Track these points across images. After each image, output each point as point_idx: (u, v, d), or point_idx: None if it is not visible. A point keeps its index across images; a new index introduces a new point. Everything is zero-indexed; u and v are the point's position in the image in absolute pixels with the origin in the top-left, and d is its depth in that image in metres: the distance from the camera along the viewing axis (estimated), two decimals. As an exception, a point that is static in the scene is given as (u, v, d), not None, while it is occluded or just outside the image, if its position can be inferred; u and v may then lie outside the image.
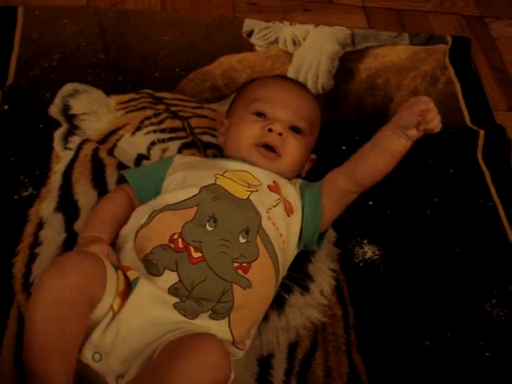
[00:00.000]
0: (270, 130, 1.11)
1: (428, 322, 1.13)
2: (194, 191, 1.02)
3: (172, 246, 0.97)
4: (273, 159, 1.12)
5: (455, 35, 1.67)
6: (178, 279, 0.94)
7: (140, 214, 1.03)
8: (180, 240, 0.97)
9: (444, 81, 1.53)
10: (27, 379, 0.85)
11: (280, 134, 1.11)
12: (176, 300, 0.93)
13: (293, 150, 1.13)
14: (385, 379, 1.06)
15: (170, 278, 0.94)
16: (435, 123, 1.02)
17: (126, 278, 0.94)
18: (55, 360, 0.84)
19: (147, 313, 0.92)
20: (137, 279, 0.93)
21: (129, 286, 0.93)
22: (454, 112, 1.48)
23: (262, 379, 1.04)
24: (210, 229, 0.99)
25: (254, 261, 0.99)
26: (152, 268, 0.95)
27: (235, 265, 0.97)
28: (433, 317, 1.14)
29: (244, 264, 0.98)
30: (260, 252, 1.00)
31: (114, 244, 1.05)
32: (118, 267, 0.95)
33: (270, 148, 1.12)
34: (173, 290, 0.94)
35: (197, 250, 0.96)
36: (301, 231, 1.10)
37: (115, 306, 0.90)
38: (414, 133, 1.03)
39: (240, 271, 0.97)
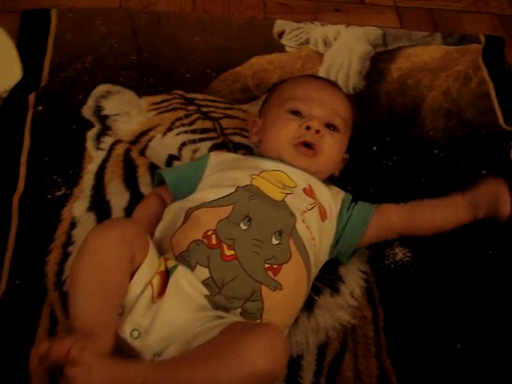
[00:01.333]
0: (308, 128, 1.11)
1: (460, 325, 1.12)
2: (231, 190, 1.03)
3: (205, 241, 0.97)
4: (311, 156, 1.11)
5: (488, 34, 1.65)
6: (209, 275, 0.94)
7: (175, 213, 1.04)
8: (214, 236, 0.97)
9: (477, 81, 1.51)
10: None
11: (317, 132, 1.11)
12: (207, 292, 0.94)
13: (329, 147, 1.13)
14: (415, 382, 1.05)
15: (201, 273, 0.95)
16: (507, 208, 1.10)
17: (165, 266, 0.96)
18: (99, 313, 0.86)
19: (186, 297, 0.93)
20: (175, 266, 0.94)
21: (167, 272, 0.94)
22: (487, 112, 1.46)
23: (291, 380, 1.03)
24: (244, 228, 0.99)
25: (285, 263, 0.99)
26: (184, 264, 0.96)
27: (266, 266, 0.97)
28: (464, 320, 1.13)
29: (275, 266, 0.98)
30: (292, 254, 1.00)
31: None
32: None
33: (307, 145, 1.12)
34: (203, 285, 0.94)
35: (230, 247, 0.97)
36: (338, 241, 1.10)
37: (154, 283, 0.92)
38: (481, 213, 1.12)
39: (270, 273, 0.97)
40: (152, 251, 0.95)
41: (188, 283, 0.93)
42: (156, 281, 0.93)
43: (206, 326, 0.91)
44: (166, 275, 0.94)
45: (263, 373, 0.83)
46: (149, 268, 0.93)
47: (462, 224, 1.13)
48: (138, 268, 0.92)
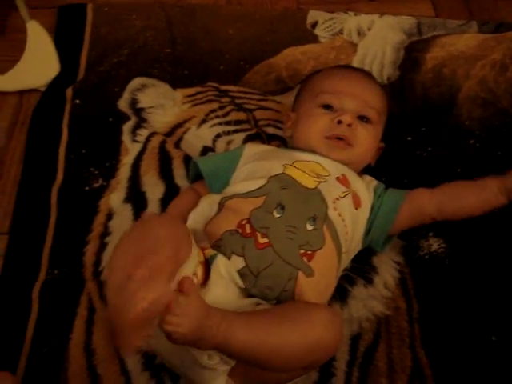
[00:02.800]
0: (340, 122, 1.11)
1: (495, 317, 1.11)
2: (263, 182, 1.03)
3: (240, 231, 0.98)
4: (344, 148, 1.11)
5: (526, 21, 1.62)
6: (244, 264, 0.95)
7: (208, 203, 1.05)
8: (248, 225, 0.98)
9: (514, 69, 1.48)
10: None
11: (349, 125, 1.11)
12: (242, 285, 0.95)
13: (363, 139, 1.13)
14: (449, 374, 1.05)
15: (236, 262, 0.95)
16: None
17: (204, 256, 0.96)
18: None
19: (227, 284, 0.94)
20: (215, 255, 0.95)
21: (206, 262, 0.95)
22: (524, 101, 1.44)
23: (324, 370, 1.04)
24: (277, 215, 0.99)
25: (319, 249, 0.99)
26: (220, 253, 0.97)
27: (301, 251, 0.97)
28: (500, 311, 1.12)
29: (309, 252, 0.98)
30: (326, 241, 1.00)
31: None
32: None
33: (340, 139, 1.12)
34: (239, 276, 0.95)
35: (264, 235, 0.97)
36: (369, 229, 1.10)
37: (198, 273, 0.92)
38: (508, 198, 1.08)
39: (305, 258, 0.97)
40: (194, 247, 0.93)
41: (227, 273, 0.94)
42: (200, 271, 0.92)
43: (255, 308, 0.93)
44: (207, 265, 0.95)
45: (327, 343, 0.89)
46: (192, 262, 0.92)
47: (495, 208, 1.10)
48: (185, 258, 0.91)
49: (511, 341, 1.08)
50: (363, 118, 1.14)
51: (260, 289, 0.95)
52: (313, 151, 1.12)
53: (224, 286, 0.94)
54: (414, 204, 1.11)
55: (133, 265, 0.78)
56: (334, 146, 1.11)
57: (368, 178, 1.16)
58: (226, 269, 0.94)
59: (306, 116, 1.15)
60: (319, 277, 0.98)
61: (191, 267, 0.91)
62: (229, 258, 0.96)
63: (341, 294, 1.10)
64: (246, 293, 0.95)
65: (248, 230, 0.98)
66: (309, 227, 1.00)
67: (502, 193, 1.08)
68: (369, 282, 1.14)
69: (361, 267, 1.14)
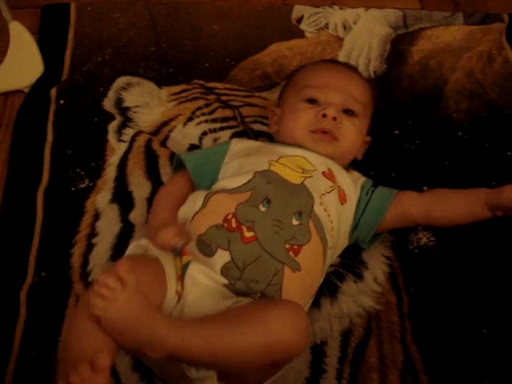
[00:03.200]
0: (324, 116, 1.10)
1: (485, 310, 1.10)
2: (248, 177, 1.03)
3: (225, 225, 0.97)
4: (329, 142, 1.11)
5: (512, 13, 1.62)
6: (230, 258, 0.95)
7: (196, 198, 1.04)
8: (233, 220, 0.98)
9: (501, 61, 1.48)
10: None
11: (334, 119, 1.10)
12: (225, 282, 0.94)
13: (348, 132, 1.12)
14: (440, 368, 1.04)
15: (222, 257, 0.95)
16: None
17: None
18: None
19: (205, 289, 0.93)
20: (188, 263, 0.94)
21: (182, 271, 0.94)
22: (511, 93, 1.43)
23: (315, 367, 1.04)
24: (263, 209, 0.99)
25: (305, 244, 0.98)
26: (205, 248, 0.96)
27: (287, 246, 0.97)
28: (490, 304, 1.11)
29: (295, 246, 0.97)
30: (312, 235, 1.00)
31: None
32: (178, 253, 0.95)
33: (325, 133, 1.11)
34: (225, 270, 0.94)
35: (249, 229, 0.97)
36: (356, 226, 1.10)
37: (179, 289, 0.91)
38: (500, 213, 1.08)
39: (291, 253, 0.97)
40: (169, 269, 0.92)
41: (204, 276, 0.93)
42: (179, 286, 0.92)
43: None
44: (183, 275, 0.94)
45: (288, 343, 0.85)
46: (170, 287, 0.91)
47: (479, 220, 1.10)
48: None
49: (502, 333, 1.08)
50: (348, 112, 1.13)
51: (246, 282, 0.94)
52: (298, 145, 1.11)
53: (201, 291, 0.92)
54: (401, 206, 1.11)
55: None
56: (320, 139, 1.11)
57: (356, 173, 1.16)
58: (202, 272, 0.93)
59: (290, 111, 1.15)
60: (305, 271, 0.98)
61: (171, 292, 0.90)
62: (214, 252, 0.95)
63: (330, 290, 1.10)
64: (230, 289, 0.94)
65: (233, 225, 0.97)
66: (294, 222, 0.99)
67: (489, 207, 1.08)
68: (359, 277, 1.13)
69: (350, 262, 1.14)
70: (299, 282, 0.97)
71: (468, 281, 1.14)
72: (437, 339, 1.07)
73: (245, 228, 0.97)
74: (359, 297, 1.11)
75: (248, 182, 1.02)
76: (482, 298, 1.12)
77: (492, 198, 1.07)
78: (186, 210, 1.05)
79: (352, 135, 1.13)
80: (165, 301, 0.90)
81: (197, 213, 1.01)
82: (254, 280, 0.94)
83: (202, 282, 0.93)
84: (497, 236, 1.20)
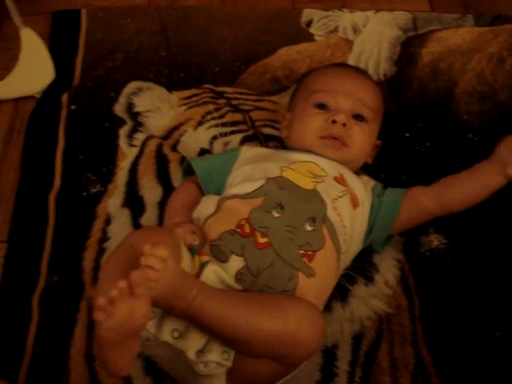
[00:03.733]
0: (334, 122, 1.10)
1: (498, 313, 1.10)
2: (261, 182, 1.03)
3: (239, 231, 0.97)
4: (339, 148, 1.11)
5: (523, 14, 1.61)
6: (244, 264, 0.94)
7: (208, 203, 1.05)
8: (247, 225, 0.98)
9: (511, 62, 1.47)
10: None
11: (344, 125, 1.10)
12: (240, 288, 0.93)
13: (358, 138, 1.12)
14: (452, 371, 1.04)
15: (236, 263, 0.95)
16: None
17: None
18: None
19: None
20: (206, 262, 0.94)
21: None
22: (523, 94, 1.43)
23: (326, 370, 1.04)
24: (276, 215, 0.99)
25: (319, 249, 0.98)
26: (219, 254, 0.96)
27: (301, 252, 0.97)
28: (503, 307, 1.11)
29: (309, 252, 0.97)
30: (326, 241, 1.00)
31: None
32: (196, 252, 0.95)
33: (335, 139, 1.11)
34: (239, 276, 0.94)
35: (263, 235, 0.97)
36: (371, 229, 1.09)
37: None
38: (510, 171, 1.06)
39: (305, 259, 0.97)
40: (185, 257, 0.92)
41: (220, 282, 0.93)
42: None
43: None
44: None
45: (304, 338, 0.86)
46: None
47: (494, 191, 1.08)
48: None
49: (514, 336, 1.08)
50: (358, 117, 1.13)
51: (260, 288, 0.94)
52: (309, 151, 1.11)
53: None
54: (413, 202, 1.10)
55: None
56: (329, 145, 1.11)
57: (365, 177, 1.15)
58: (217, 277, 0.93)
59: (300, 116, 1.15)
60: (320, 277, 0.98)
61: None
62: (228, 258, 0.95)
63: (341, 293, 1.10)
64: None
65: (247, 230, 0.97)
66: (308, 228, 0.99)
67: (497, 171, 1.06)
68: (369, 280, 1.13)
69: (361, 265, 1.13)
70: (314, 287, 0.97)
71: (480, 283, 1.14)
72: (448, 342, 1.07)
73: (259, 234, 0.97)
74: (370, 300, 1.11)
75: (260, 187, 1.02)
76: (494, 300, 1.12)
77: (494, 159, 1.07)
78: (198, 213, 1.05)
79: (362, 141, 1.13)
80: None
81: (208, 218, 1.02)
82: (268, 286, 0.94)
83: (217, 285, 0.92)
84: (509, 239, 1.19)
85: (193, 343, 0.87)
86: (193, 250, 0.94)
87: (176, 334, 0.88)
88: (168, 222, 1.07)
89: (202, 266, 0.93)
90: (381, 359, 1.06)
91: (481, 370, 1.04)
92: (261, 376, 0.92)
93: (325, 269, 1.00)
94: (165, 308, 0.84)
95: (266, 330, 0.85)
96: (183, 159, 1.27)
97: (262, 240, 0.96)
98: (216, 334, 0.86)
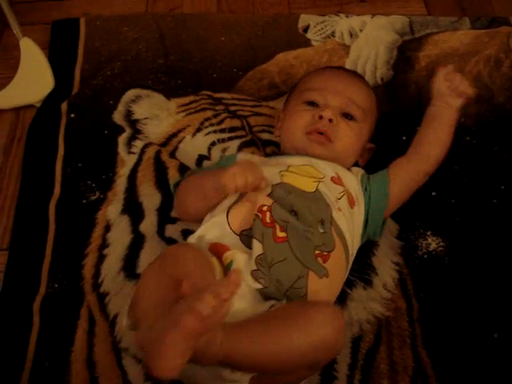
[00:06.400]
0: (321, 117, 1.11)
1: (496, 314, 1.10)
2: (268, 190, 1.03)
3: (260, 216, 0.98)
4: (323, 143, 1.11)
5: (519, 16, 1.61)
6: (262, 251, 0.95)
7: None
8: (268, 214, 0.98)
9: (509, 64, 1.47)
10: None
11: (330, 121, 1.11)
12: (259, 286, 0.94)
13: (344, 135, 1.12)
14: (451, 373, 1.04)
15: (257, 248, 0.96)
16: (465, 85, 1.13)
17: (221, 263, 0.96)
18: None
19: (244, 292, 0.93)
20: (231, 263, 0.95)
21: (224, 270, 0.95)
22: (520, 96, 1.43)
23: (325, 374, 1.04)
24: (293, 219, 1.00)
25: (331, 251, 0.99)
26: (247, 240, 0.97)
27: (316, 252, 0.98)
28: (501, 309, 1.11)
29: (325, 253, 0.98)
30: (336, 243, 1.01)
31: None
32: (212, 254, 0.96)
33: (321, 134, 1.12)
34: (259, 261, 0.94)
35: (282, 229, 0.98)
36: (366, 222, 1.10)
37: None
38: (452, 100, 1.13)
39: (320, 259, 0.98)
40: (216, 266, 0.94)
41: (243, 280, 0.92)
42: None
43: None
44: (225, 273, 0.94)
45: (330, 341, 0.87)
46: None
47: (455, 120, 1.14)
48: None
49: (513, 337, 1.08)
50: (347, 116, 1.14)
51: (273, 282, 0.94)
52: (296, 150, 1.12)
53: (239, 296, 0.91)
54: (399, 170, 1.13)
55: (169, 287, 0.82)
56: (314, 140, 1.11)
57: (355, 169, 1.16)
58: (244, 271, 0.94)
59: (290, 113, 1.17)
60: (332, 278, 0.99)
61: None
62: (251, 244, 0.96)
63: (340, 297, 1.09)
64: (262, 294, 0.94)
65: (268, 220, 0.98)
66: (320, 230, 1.00)
67: (442, 105, 1.13)
68: (368, 283, 1.13)
69: (360, 269, 1.14)
70: (326, 288, 0.98)
71: (478, 285, 1.14)
72: (447, 344, 1.07)
73: (278, 227, 0.98)
74: (369, 303, 1.11)
75: (269, 194, 1.02)
76: (492, 302, 1.12)
77: (434, 97, 1.15)
78: (220, 206, 1.05)
79: (347, 138, 1.13)
80: None
81: (232, 206, 1.02)
82: (278, 280, 0.95)
83: (242, 287, 0.91)
84: (506, 240, 1.20)
85: None
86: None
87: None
88: (207, 178, 1.08)
89: (227, 267, 0.95)
90: (380, 362, 1.06)
91: (480, 372, 1.04)
92: (283, 380, 0.93)
93: (337, 270, 1.01)
94: (194, 361, 0.82)
95: (299, 346, 0.86)
96: (182, 166, 1.28)
97: (280, 234, 0.97)
98: (254, 366, 0.87)
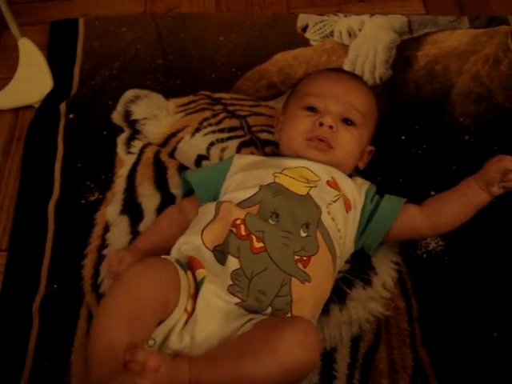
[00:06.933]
0: (321, 124, 1.11)
1: (495, 313, 1.10)
2: (254, 190, 1.04)
3: (234, 230, 0.98)
4: (324, 150, 1.11)
5: (518, 15, 1.61)
6: (239, 266, 0.95)
7: (207, 209, 1.05)
8: (243, 227, 0.98)
9: (507, 63, 1.47)
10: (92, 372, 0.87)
11: (331, 127, 1.11)
12: (237, 300, 0.94)
13: (344, 142, 1.12)
14: (451, 372, 1.04)
15: (232, 263, 0.96)
16: None
17: (194, 278, 0.96)
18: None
19: (217, 311, 0.93)
20: (203, 279, 0.94)
21: (196, 287, 0.95)
22: (518, 95, 1.43)
23: (325, 373, 1.04)
24: (272, 223, 1.00)
25: (313, 255, 0.99)
26: (221, 257, 0.97)
27: (296, 258, 0.98)
28: (501, 308, 1.11)
29: (304, 258, 0.98)
30: (320, 246, 1.00)
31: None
32: (187, 267, 0.97)
33: (321, 141, 1.12)
34: (234, 276, 0.94)
35: (259, 239, 0.97)
36: (362, 233, 1.10)
37: (189, 308, 0.92)
38: (495, 190, 1.05)
39: (300, 265, 0.98)
40: (183, 281, 0.94)
41: (216, 297, 0.94)
42: (190, 305, 0.93)
43: (241, 331, 0.91)
44: (196, 292, 0.94)
45: (301, 364, 0.86)
46: (183, 300, 0.92)
47: (480, 208, 1.08)
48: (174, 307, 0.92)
49: (512, 336, 1.08)
50: (347, 121, 1.13)
51: (254, 294, 0.94)
52: (298, 156, 1.12)
53: (212, 312, 0.93)
54: (407, 220, 1.10)
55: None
56: (314, 147, 1.11)
57: (359, 180, 1.16)
58: (214, 294, 0.94)
59: (290, 118, 1.16)
60: (316, 282, 0.98)
61: (180, 310, 0.91)
62: (226, 260, 0.96)
63: (339, 296, 1.10)
64: (242, 306, 0.94)
65: (243, 232, 0.98)
66: (302, 234, 1.00)
67: (482, 188, 1.06)
68: (367, 283, 1.13)
69: (359, 268, 1.14)
70: (310, 293, 0.98)
71: (477, 285, 1.14)
72: (447, 344, 1.07)
73: (254, 238, 0.97)
74: (368, 303, 1.11)
75: (254, 195, 1.03)
76: (491, 301, 1.12)
77: (481, 178, 1.06)
78: (198, 222, 1.05)
79: (348, 144, 1.13)
80: (171, 316, 0.91)
81: (209, 223, 1.02)
82: (260, 291, 0.95)
83: (215, 305, 0.93)
84: (505, 239, 1.20)
85: None
86: (181, 264, 0.96)
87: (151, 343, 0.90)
88: (144, 235, 1.14)
89: (199, 284, 0.94)
90: (379, 362, 1.06)
91: (479, 371, 1.04)
92: None
93: (321, 273, 1.00)
94: None
95: (261, 377, 0.85)
96: (181, 166, 1.28)
97: (257, 245, 0.97)
98: None
